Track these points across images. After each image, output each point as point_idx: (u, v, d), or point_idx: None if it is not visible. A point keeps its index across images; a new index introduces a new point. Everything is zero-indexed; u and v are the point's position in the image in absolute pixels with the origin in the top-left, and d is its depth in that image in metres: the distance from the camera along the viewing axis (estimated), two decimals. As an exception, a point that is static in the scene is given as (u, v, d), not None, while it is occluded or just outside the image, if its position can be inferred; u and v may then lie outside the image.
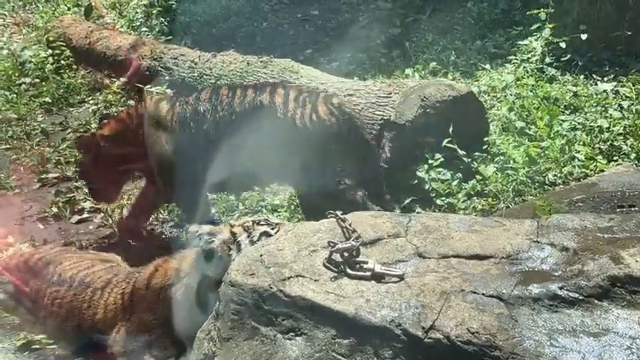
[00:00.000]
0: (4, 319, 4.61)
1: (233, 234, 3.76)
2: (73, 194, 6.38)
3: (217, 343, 3.16)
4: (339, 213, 3.41)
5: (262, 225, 3.76)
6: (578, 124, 6.02)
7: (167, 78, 8.06)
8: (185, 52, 8.40)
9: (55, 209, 6.19)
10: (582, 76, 6.98)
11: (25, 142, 7.64)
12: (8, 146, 7.64)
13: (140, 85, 7.96)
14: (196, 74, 7.73)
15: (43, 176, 6.92)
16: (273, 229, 3.70)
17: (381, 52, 9.10)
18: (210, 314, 3.37)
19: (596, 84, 6.78)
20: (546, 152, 5.54)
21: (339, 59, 9.14)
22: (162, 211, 5.90)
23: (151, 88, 7.83)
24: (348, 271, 3.06)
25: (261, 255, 3.23)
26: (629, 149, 5.64)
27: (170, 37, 10.31)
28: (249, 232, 3.73)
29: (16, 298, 4.66)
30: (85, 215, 6.12)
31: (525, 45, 7.65)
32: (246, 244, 3.67)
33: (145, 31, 10.84)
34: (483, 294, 2.84)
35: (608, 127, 5.86)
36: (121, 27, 11.16)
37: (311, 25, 10.71)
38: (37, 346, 4.28)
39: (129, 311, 4.01)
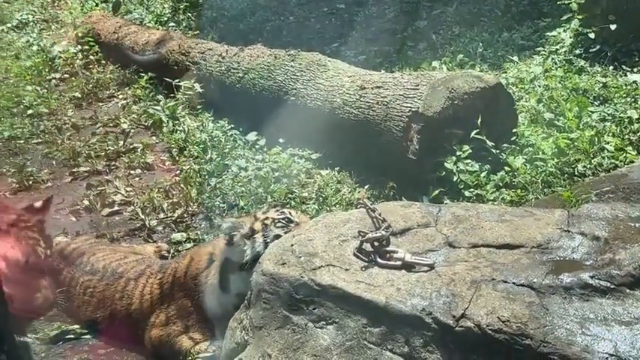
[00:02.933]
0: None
1: (252, 230, 3.93)
2: (103, 187, 6.45)
3: (249, 331, 3.20)
4: (368, 203, 3.44)
5: (278, 227, 3.88)
6: (608, 115, 5.98)
7: (195, 72, 8.13)
8: (212, 46, 8.44)
9: (86, 202, 6.26)
10: (611, 67, 6.93)
11: (56, 136, 7.73)
12: (40, 140, 7.74)
13: (169, 79, 8.04)
14: (224, 68, 7.77)
15: (74, 170, 6.99)
16: (287, 232, 3.76)
17: (407, 45, 9.10)
18: (232, 294, 3.79)
19: (626, 75, 6.72)
20: (575, 143, 5.51)
21: (366, 52, 9.16)
22: (191, 204, 5.94)
23: (179, 82, 7.91)
24: (379, 260, 3.08)
25: (292, 245, 3.26)
26: (660, 140, 5.59)
27: (197, 32, 10.38)
28: (265, 232, 3.88)
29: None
30: (116, 208, 6.18)
31: (554, 36, 7.61)
32: (260, 243, 3.85)
33: (173, 26, 10.94)
34: (514, 283, 2.84)
35: (638, 118, 5.80)
36: (149, 22, 11.27)
37: (337, 19, 10.73)
38: (72, 336, 4.35)
39: (168, 299, 4.09)
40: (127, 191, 6.34)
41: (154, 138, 7.56)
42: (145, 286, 4.25)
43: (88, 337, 4.35)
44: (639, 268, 2.78)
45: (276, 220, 3.93)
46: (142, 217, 5.89)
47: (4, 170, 6.93)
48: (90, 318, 4.38)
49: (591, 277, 2.79)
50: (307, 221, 3.86)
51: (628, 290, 2.75)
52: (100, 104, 8.82)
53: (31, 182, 6.74)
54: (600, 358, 2.48)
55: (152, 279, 4.26)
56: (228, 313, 3.64)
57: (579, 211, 3.31)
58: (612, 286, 2.76)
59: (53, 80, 9.54)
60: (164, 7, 11.78)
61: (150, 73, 8.68)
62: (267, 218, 3.96)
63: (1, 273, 3.10)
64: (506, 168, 5.34)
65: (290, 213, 4.02)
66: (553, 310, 2.69)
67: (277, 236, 3.72)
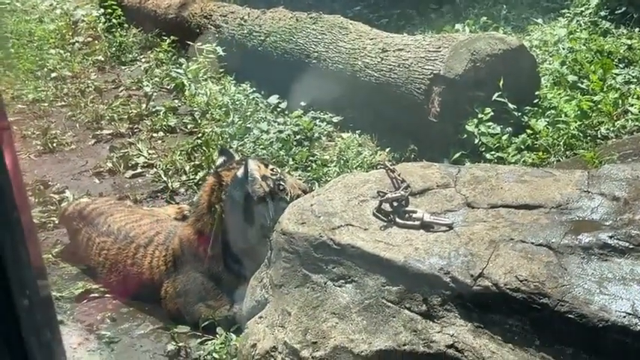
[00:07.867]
0: (62, 269, 4.75)
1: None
2: (126, 150, 6.51)
3: (269, 290, 3.24)
4: (388, 163, 3.45)
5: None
6: (632, 77, 5.93)
7: (217, 35, 8.12)
8: (234, 9, 8.42)
9: (109, 164, 6.31)
10: (637, 29, 6.84)
11: (79, 99, 7.79)
12: (63, 103, 7.81)
13: (190, 42, 8.04)
14: (246, 31, 7.75)
15: (97, 132, 7.05)
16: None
17: (430, 8, 9.01)
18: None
19: (651, 37, 6.66)
20: (599, 106, 5.48)
21: (389, 15, 9.09)
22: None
23: (200, 45, 7.91)
24: (397, 220, 3.10)
25: (311, 205, 3.29)
26: (685, 102, 5.53)
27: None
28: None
29: (72, 247, 4.81)
30: (139, 170, 6.23)
31: (579, -2, 7.53)
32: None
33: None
34: (532, 243, 2.84)
35: (663, 81, 5.77)
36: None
37: (360, -19, 10.63)
38: (96, 295, 4.42)
39: (174, 274, 4.12)
40: (149, 154, 6.38)
41: (176, 101, 7.59)
42: (152, 258, 4.25)
43: (111, 295, 4.42)
44: (659, 228, 2.78)
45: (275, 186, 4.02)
46: (165, 179, 5.94)
47: (29, 133, 6.99)
48: (106, 279, 4.44)
49: (610, 237, 2.79)
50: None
51: (647, 250, 2.75)
52: (123, 67, 8.88)
53: (54, 145, 6.81)
54: (618, 316, 2.49)
55: (158, 251, 4.26)
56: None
57: (599, 172, 3.30)
58: (631, 246, 2.75)
59: (76, 44, 9.59)
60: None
61: (172, 37, 8.68)
62: (266, 177, 4.03)
63: None
64: (528, 130, 5.32)
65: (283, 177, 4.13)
66: (571, 269, 2.69)
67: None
